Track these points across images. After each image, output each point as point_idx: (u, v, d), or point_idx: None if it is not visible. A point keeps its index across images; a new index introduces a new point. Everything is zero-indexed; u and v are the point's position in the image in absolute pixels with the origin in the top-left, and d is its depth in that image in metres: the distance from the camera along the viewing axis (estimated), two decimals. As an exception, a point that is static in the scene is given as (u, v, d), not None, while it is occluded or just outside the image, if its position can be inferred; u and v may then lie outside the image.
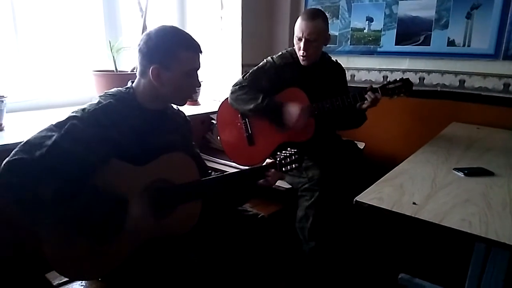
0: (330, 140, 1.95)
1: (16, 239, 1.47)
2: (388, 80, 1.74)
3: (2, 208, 1.31)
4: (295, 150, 1.32)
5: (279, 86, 1.78)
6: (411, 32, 2.19)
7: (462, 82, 2.12)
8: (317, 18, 1.69)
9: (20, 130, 1.49)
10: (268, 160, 1.33)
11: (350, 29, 2.40)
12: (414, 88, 1.71)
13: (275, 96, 1.76)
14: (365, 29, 2.35)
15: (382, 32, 2.28)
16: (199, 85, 1.19)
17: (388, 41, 2.27)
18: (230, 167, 2.03)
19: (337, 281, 1.82)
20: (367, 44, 2.35)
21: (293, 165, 1.31)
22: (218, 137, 1.95)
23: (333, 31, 2.42)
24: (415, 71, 2.22)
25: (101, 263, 1.06)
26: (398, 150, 2.17)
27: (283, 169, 1.30)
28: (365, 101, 1.68)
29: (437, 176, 1.25)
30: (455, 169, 1.30)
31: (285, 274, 1.66)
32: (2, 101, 1.47)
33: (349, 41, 2.42)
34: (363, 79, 2.41)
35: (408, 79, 1.69)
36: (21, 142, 0.96)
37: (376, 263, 1.96)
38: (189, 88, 1.18)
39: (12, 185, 0.91)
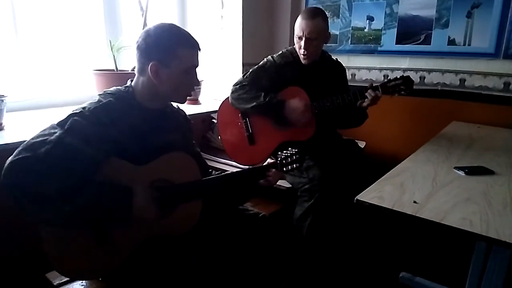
0: (330, 139, 1.95)
1: (16, 239, 1.47)
2: (389, 78, 1.74)
3: (3, 207, 1.32)
4: (296, 150, 1.32)
5: (279, 85, 1.78)
6: (411, 31, 2.19)
7: (462, 81, 2.12)
8: (317, 16, 1.70)
9: (20, 129, 1.49)
10: (269, 160, 1.33)
11: (350, 28, 2.40)
12: (414, 87, 1.71)
13: (276, 94, 1.76)
14: (365, 28, 2.35)
15: (383, 31, 2.28)
16: (198, 84, 1.18)
17: (389, 40, 2.27)
18: (230, 166, 2.03)
19: (338, 280, 1.82)
20: (367, 43, 2.35)
21: (294, 165, 1.31)
22: (219, 137, 1.95)
23: (333, 30, 2.42)
24: (416, 70, 2.22)
25: (102, 263, 1.06)
26: (399, 149, 2.18)
27: (284, 169, 1.30)
28: (366, 99, 1.68)
29: (438, 175, 1.25)
30: (456, 168, 1.30)
31: (286, 274, 1.66)
32: (2, 101, 1.47)
33: (349, 40, 2.42)
34: (363, 78, 2.41)
35: (408, 76, 1.69)
36: (21, 142, 0.96)
37: (377, 262, 1.96)
38: (188, 86, 1.17)
39: (17, 185, 0.90)
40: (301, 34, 1.70)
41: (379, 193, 1.07)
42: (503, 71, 1.99)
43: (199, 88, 2.33)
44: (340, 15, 2.42)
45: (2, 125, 1.49)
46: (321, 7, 2.24)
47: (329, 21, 1.81)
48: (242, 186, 1.31)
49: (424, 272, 1.82)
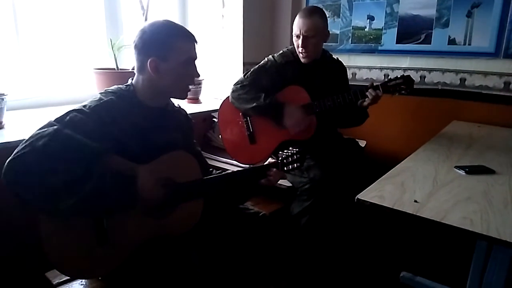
0: (331, 138, 1.95)
1: (16, 238, 1.47)
2: (389, 78, 1.74)
3: (3, 207, 1.32)
4: (297, 149, 1.32)
5: (280, 85, 1.78)
6: (412, 31, 2.19)
7: (463, 80, 2.12)
8: (314, 14, 1.70)
9: (21, 128, 1.49)
10: (270, 160, 1.33)
11: (351, 28, 2.40)
12: (415, 86, 1.71)
13: (277, 94, 1.76)
14: (366, 27, 2.35)
15: (383, 31, 2.28)
16: (198, 75, 1.18)
17: (389, 39, 2.27)
18: (231, 165, 2.03)
19: (339, 280, 1.82)
20: (368, 43, 2.35)
21: (295, 165, 1.31)
22: (220, 136, 1.95)
23: (334, 30, 2.42)
24: (416, 70, 2.23)
25: (102, 262, 1.06)
26: (399, 148, 2.18)
27: (285, 168, 1.30)
28: (366, 99, 1.68)
29: (438, 174, 1.25)
30: (456, 167, 1.30)
31: (286, 273, 1.66)
32: (3, 99, 1.47)
33: (350, 39, 2.42)
34: (364, 78, 2.41)
35: (409, 76, 1.69)
36: (21, 140, 0.96)
37: (377, 261, 1.96)
38: (188, 79, 1.17)
39: (18, 182, 0.90)
40: (299, 32, 1.71)
41: (379, 192, 1.07)
42: (503, 71, 1.99)
43: (200, 87, 2.33)
44: (341, 14, 2.42)
45: (2, 123, 1.49)
46: (321, 6, 2.24)
47: (329, 21, 1.81)
48: (243, 185, 1.31)
49: (424, 272, 1.82)
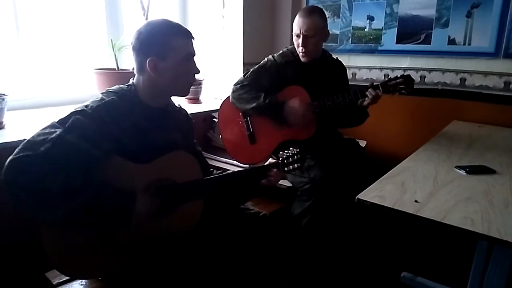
0: (331, 138, 1.95)
1: (16, 238, 1.47)
2: (389, 78, 1.74)
3: (3, 207, 1.32)
4: (298, 149, 1.31)
5: (280, 84, 1.78)
6: (411, 31, 2.19)
7: (463, 80, 2.12)
8: (314, 14, 1.71)
9: (21, 128, 1.49)
10: (270, 160, 1.33)
11: (351, 28, 2.40)
12: (415, 86, 1.71)
13: (277, 94, 1.76)
14: (366, 27, 2.35)
15: (383, 31, 2.28)
16: (198, 71, 1.19)
17: (389, 39, 2.27)
18: (231, 165, 2.03)
19: (340, 280, 1.82)
20: (368, 43, 2.35)
21: (296, 165, 1.30)
22: (220, 136, 1.95)
23: (334, 30, 2.42)
24: (416, 70, 2.22)
25: (102, 262, 1.06)
26: (400, 148, 2.18)
27: (286, 168, 1.30)
28: (366, 98, 1.68)
29: (439, 174, 1.25)
30: (457, 167, 1.30)
31: (286, 273, 1.66)
32: (3, 99, 1.47)
33: (350, 39, 2.42)
34: (364, 78, 2.41)
35: (409, 75, 1.69)
36: (22, 140, 0.96)
37: (378, 262, 1.96)
38: (188, 76, 1.17)
39: (18, 183, 0.90)
40: (299, 31, 1.71)
41: (380, 192, 1.07)
42: (503, 71, 1.99)
43: (200, 87, 2.33)
44: (341, 14, 2.42)
45: (3, 123, 1.49)
46: (321, 6, 2.25)
47: (329, 21, 1.82)
48: (243, 185, 1.30)
49: (425, 272, 1.81)
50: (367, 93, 1.67)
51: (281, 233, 1.68)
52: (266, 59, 1.86)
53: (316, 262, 1.77)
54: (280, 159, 1.30)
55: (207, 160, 1.46)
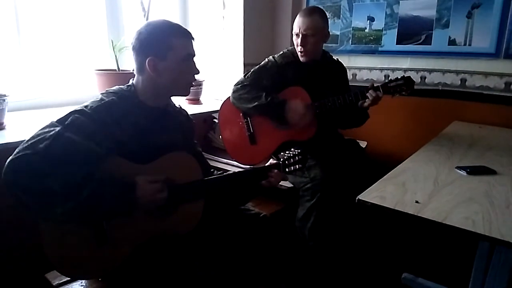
0: (332, 139, 1.94)
1: (15, 239, 1.47)
2: (389, 79, 1.74)
3: (3, 207, 1.32)
4: (299, 150, 1.31)
5: (280, 85, 1.78)
6: (412, 32, 2.19)
7: (463, 81, 2.12)
8: (314, 14, 1.71)
9: (22, 129, 1.49)
10: (271, 161, 1.32)
11: (351, 29, 2.40)
12: (415, 87, 1.71)
13: (278, 94, 1.76)
14: (366, 28, 2.35)
15: (383, 32, 2.29)
16: (198, 72, 1.19)
17: (389, 40, 2.27)
18: (232, 166, 2.03)
19: (340, 281, 1.81)
20: (368, 44, 2.35)
21: (297, 166, 1.30)
22: (220, 136, 1.95)
23: (334, 31, 2.42)
24: (417, 70, 2.22)
25: (102, 263, 1.05)
26: (400, 148, 2.18)
27: (287, 169, 1.30)
28: (367, 100, 1.68)
29: (440, 174, 1.25)
30: (458, 167, 1.30)
31: (286, 274, 1.65)
32: (4, 100, 1.47)
33: (350, 40, 2.42)
34: (364, 78, 2.41)
35: (409, 77, 1.69)
36: (22, 141, 0.96)
37: (379, 262, 1.96)
38: (188, 76, 1.17)
39: (18, 182, 0.90)
40: (298, 31, 1.72)
41: (380, 193, 1.07)
42: (504, 71, 1.99)
43: (201, 88, 2.33)
44: (341, 15, 2.43)
45: (4, 124, 1.49)
46: (321, 7, 2.25)
47: (330, 22, 1.82)
48: (243, 186, 1.30)
49: (426, 273, 1.81)
50: (367, 94, 1.67)
51: (281, 234, 1.68)
52: (266, 59, 1.86)
53: (317, 263, 1.76)
54: (281, 160, 1.30)
55: (208, 161, 1.46)
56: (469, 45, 2.05)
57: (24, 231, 1.38)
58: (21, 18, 1.71)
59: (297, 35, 1.73)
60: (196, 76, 1.21)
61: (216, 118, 2.26)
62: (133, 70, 1.18)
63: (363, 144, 2.23)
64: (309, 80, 1.79)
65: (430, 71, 2.19)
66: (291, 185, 1.83)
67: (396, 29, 2.24)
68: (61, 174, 0.91)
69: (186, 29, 1.15)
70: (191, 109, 2.06)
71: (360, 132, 2.11)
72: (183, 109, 1.35)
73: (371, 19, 2.32)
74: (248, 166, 1.82)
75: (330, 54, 1.95)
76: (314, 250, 1.72)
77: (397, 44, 2.25)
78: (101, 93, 1.13)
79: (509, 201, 1.04)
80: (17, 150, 0.93)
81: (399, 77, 1.70)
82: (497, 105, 2.02)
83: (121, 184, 1.00)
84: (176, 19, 2.40)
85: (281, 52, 1.87)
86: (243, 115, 1.84)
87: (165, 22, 1.14)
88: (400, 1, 2.19)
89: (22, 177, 0.89)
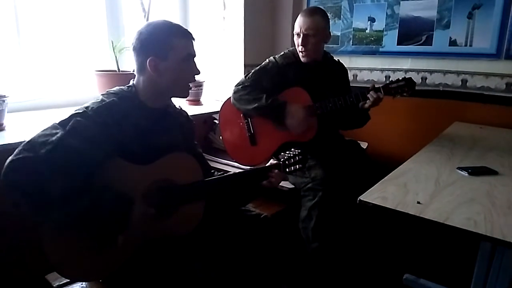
0: (332, 139, 1.94)
1: (16, 240, 1.46)
2: (390, 79, 1.73)
3: (3, 209, 1.31)
4: (299, 150, 1.31)
5: (281, 86, 1.78)
6: (413, 32, 2.19)
7: (464, 81, 2.11)
8: (315, 14, 1.71)
9: (22, 130, 1.49)
10: (272, 161, 1.32)
11: (352, 29, 2.40)
12: (416, 88, 1.71)
13: (278, 96, 1.75)
14: (367, 29, 2.35)
15: (384, 32, 2.28)
16: (198, 72, 1.19)
17: (390, 41, 2.27)
18: (232, 167, 2.03)
19: (342, 282, 1.81)
20: (369, 44, 2.35)
21: (297, 166, 1.30)
22: (220, 137, 1.94)
23: (335, 31, 2.42)
24: (417, 71, 2.22)
25: (103, 265, 1.05)
26: (401, 149, 2.17)
27: (287, 170, 1.29)
28: (367, 101, 1.68)
29: (441, 175, 1.24)
30: (459, 168, 1.30)
31: (288, 275, 1.65)
32: (4, 101, 1.47)
33: (351, 41, 2.42)
34: (365, 79, 2.41)
35: (411, 78, 1.69)
36: (22, 142, 0.96)
37: (380, 263, 1.95)
38: (188, 76, 1.17)
39: (17, 184, 0.90)
40: (299, 30, 1.72)
41: (382, 194, 1.07)
42: (505, 72, 1.99)
43: (201, 89, 2.33)
44: (342, 16, 2.42)
45: (3, 125, 1.49)
46: (322, 8, 2.25)
47: (330, 22, 1.81)
48: (244, 187, 1.30)
49: (428, 274, 1.81)
50: (368, 95, 1.67)
51: (282, 236, 1.67)
52: (267, 60, 1.86)
53: (318, 264, 1.76)
54: (282, 160, 1.30)
55: (208, 161, 1.46)
56: (470, 45, 2.05)
57: (24, 232, 1.37)
58: (21, 19, 1.71)
59: (298, 35, 1.73)
60: (197, 77, 1.21)
61: (216, 119, 2.25)
62: (133, 71, 1.18)
63: (364, 145, 2.23)
64: (310, 81, 1.79)
65: (431, 71, 2.19)
66: (292, 186, 1.83)
67: (397, 30, 2.24)
68: (60, 180, 0.91)
69: (186, 29, 1.15)
70: (192, 110, 2.06)
71: (361, 133, 2.11)
72: (184, 110, 1.35)
73: (372, 20, 2.32)
74: (249, 167, 1.81)
75: (331, 55, 1.95)
76: (317, 251, 1.71)
77: (398, 44, 2.25)
78: (101, 94, 1.12)
79: (511, 201, 1.04)
80: (17, 150, 0.93)
81: (400, 78, 1.70)
82: (498, 106, 2.02)
83: (119, 196, 1.00)
84: (176, 20, 2.39)
85: (282, 53, 1.87)
86: (244, 116, 1.84)
87: (165, 22, 1.14)
88: (401, 2, 2.19)
89: (21, 178, 0.89)
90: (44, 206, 0.92)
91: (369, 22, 2.33)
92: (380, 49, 2.32)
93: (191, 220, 1.16)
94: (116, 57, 1.85)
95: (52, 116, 1.04)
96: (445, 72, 2.15)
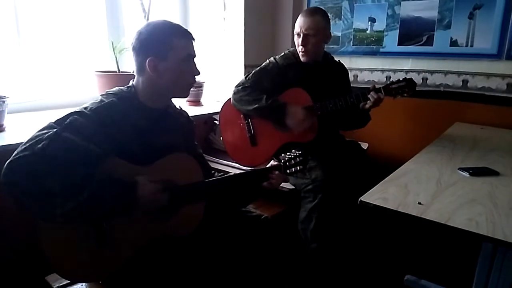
0: (333, 140, 1.94)
1: (15, 241, 1.46)
2: (391, 80, 1.73)
3: (3, 209, 1.31)
4: (300, 152, 1.31)
5: (282, 87, 1.78)
6: (413, 33, 2.19)
7: (465, 82, 2.11)
8: (315, 14, 1.71)
9: (22, 131, 1.48)
10: (272, 162, 1.32)
11: (352, 30, 2.40)
12: (417, 88, 1.70)
13: (278, 96, 1.75)
14: (367, 29, 2.34)
15: (385, 33, 2.28)
16: (198, 73, 1.18)
17: (391, 41, 2.27)
18: (232, 167, 2.02)
19: (342, 283, 1.80)
20: (369, 45, 2.35)
21: (298, 167, 1.29)
22: (221, 138, 1.94)
23: (335, 32, 2.42)
24: (418, 71, 2.22)
25: (103, 266, 1.05)
26: (402, 150, 2.17)
27: (288, 171, 1.29)
28: (368, 101, 1.67)
29: (442, 176, 1.24)
30: (460, 168, 1.29)
31: (288, 277, 1.64)
32: (4, 102, 1.47)
33: (351, 41, 2.42)
34: (366, 80, 2.41)
35: (411, 79, 1.68)
36: (22, 143, 0.95)
37: (381, 264, 1.95)
38: (188, 77, 1.17)
39: (17, 184, 0.89)
40: (299, 30, 1.72)
41: (383, 194, 1.07)
42: (506, 72, 1.98)
43: (201, 90, 2.33)
44: (342, 16, 2.42)
45: (3, 126, 1.49)
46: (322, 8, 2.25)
47: (331, 23, 1.81)
48: (245, 188, 1.29)
49: (429, 275, 1.80)
50: (369, 96, 1.66)
51: (283, 237, 1.67)
52: (268, 61, 1.86)
53: (318, 265, 1.75)
54: (282, 161, 1.29)
55: (208, 162, 1.45)
56: (471, 46, 2.05)
57: (24, 233, 1.37)
58: (21, 19, 1.71)
59: (298, 34, 1.73)
60: (197, 78, 1.21)
61: (216, 120, 2.25)
62: (133, 71, 1.18)
63: (364, 145, 2.22)
64: (311, 81, 1.78)
65: (432, 72, 2.19)
66: (292, 187, 1.82)
67: (398, 30, 2.23)
68: (60, 174, 0.91)
69: (186, 30, 1.15)
70: (192, 111, 2.06)
71: (362, 133, 2.11)
72: (184, 111, 1.34)
73: (373, 20, 2.32)
74: (249, 168, 1.81)
75: (332, 55, 1.95)
76: (316, 252, 1.71)
77: (398, 45, 2.25)
78: (101, 95, 1.12)
79: (513, 202, 1.04)
80: (15, 152, 0.92)
81: (400, 79, 1.69)
82: (499, 106, 2.01)
83: (122, 183, 0.99)
84: (176, 20, 2.38)
85: (283, 53, 1.86)
86: (244, 117, 1.83)
87: (165, 22, 1.14)
88: (402, 2, 2.19)
89: (21, 179, 0.89)
90: (47, 202, 0.91)
91: (369, 22, 2.33)
92: (381, 50, 2.31)
93: (191, 221, 1.16)
94: (116, 57, 1.84)
95: (52, 117, 1.03)
96: (446, 73, 2.15)
